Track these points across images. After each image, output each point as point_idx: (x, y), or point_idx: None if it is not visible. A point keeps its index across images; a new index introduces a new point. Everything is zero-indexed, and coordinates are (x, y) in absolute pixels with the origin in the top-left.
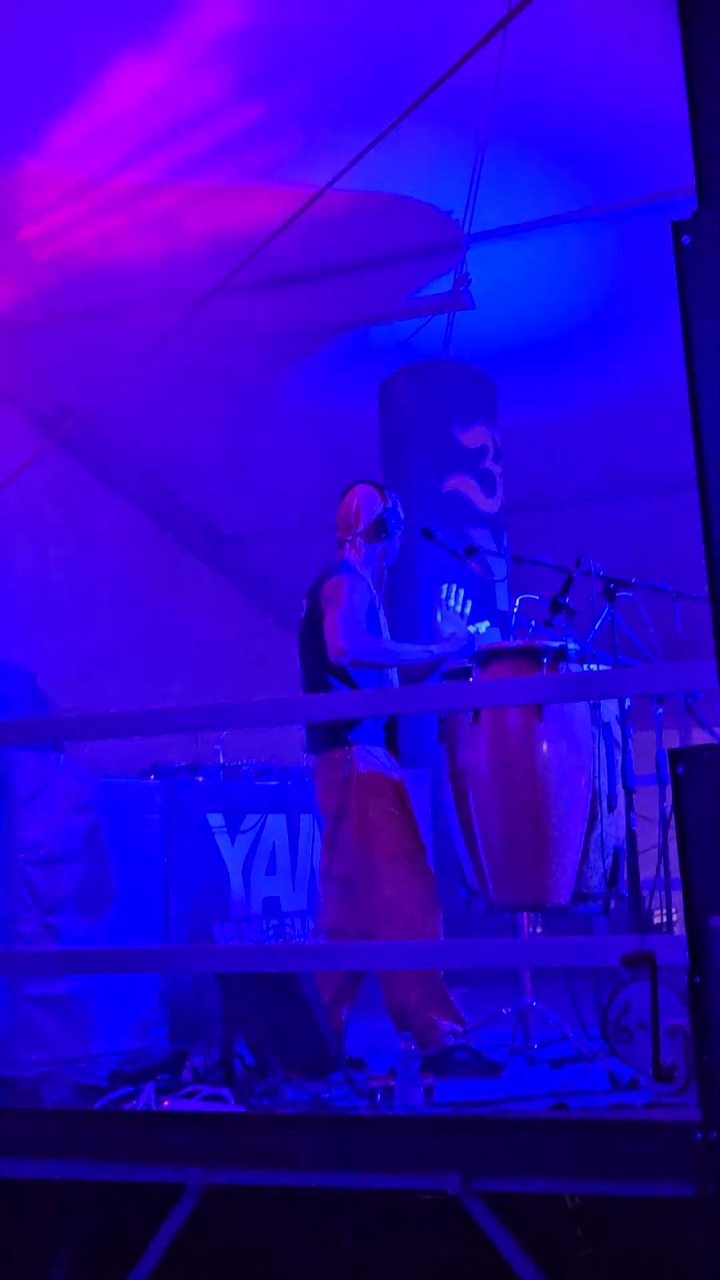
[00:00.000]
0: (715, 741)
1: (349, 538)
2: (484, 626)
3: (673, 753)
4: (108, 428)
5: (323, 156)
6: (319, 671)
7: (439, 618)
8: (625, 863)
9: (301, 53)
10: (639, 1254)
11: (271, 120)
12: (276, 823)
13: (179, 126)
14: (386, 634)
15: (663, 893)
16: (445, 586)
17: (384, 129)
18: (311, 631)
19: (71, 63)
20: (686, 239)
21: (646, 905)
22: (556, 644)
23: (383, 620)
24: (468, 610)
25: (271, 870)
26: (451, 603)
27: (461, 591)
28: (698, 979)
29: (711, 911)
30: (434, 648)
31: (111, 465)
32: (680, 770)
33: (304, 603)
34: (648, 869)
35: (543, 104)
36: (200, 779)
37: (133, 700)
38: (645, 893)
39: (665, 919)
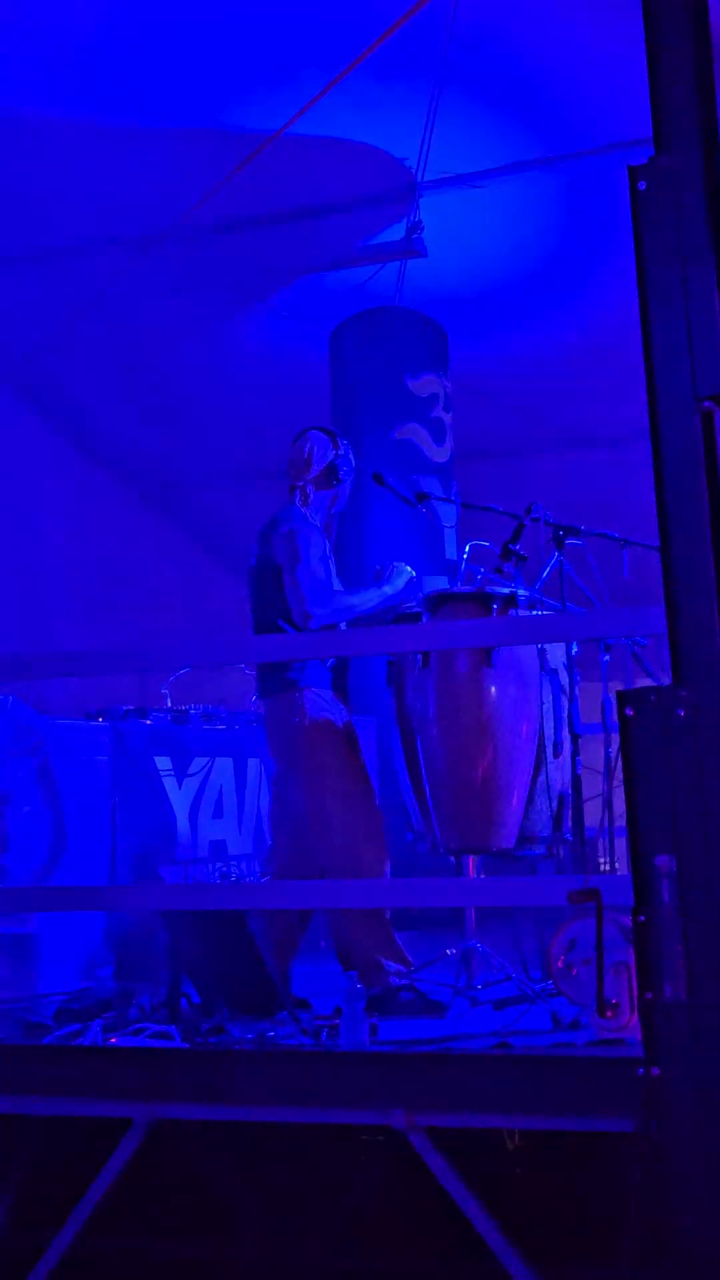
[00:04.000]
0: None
1: (300, 484)
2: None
3: (621, 694)
4: (54, 371)
5: (275, 99)
6: (273, 619)
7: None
8: (570, 807)
9: None
10: (580, 1189)
11: (224, 61)
12: (224, 766)
13: (128, 64)
14: (336, 581)
15: (606, 839)
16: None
17: (337, 73)
18: (263, 577)
19: None
20: (643, 184)
21: (590, 849)
22: (506, 590)
23: (332, 568)
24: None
25: (218, 814)
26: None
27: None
28: (642, 917)
29: (656, 851)
30: (386, 588)
31: (58, 409)
32: (629, 712)
33: (254, 548)
34: (591, 817)
35: (498, 51)
36: (148, 722)
37: (80, 644)
38: (589, 838)
39: (610, 865)
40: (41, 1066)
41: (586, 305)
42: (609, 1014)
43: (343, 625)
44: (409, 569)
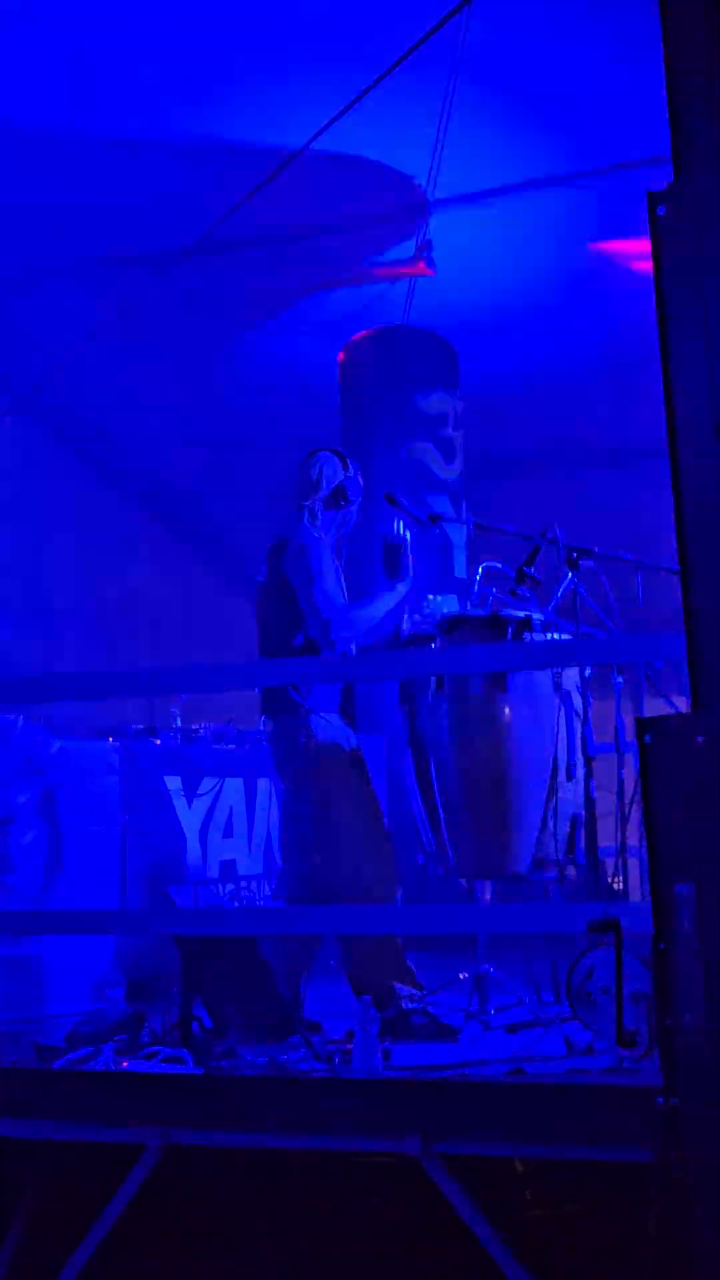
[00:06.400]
0: (675, 711)
1: (309, 504)
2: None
3: (640, 721)
4: (65, 388)
5: (286, 115)
6: (284, 637)
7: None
8: (583, 831)
9: (267, 8)
10: (598, 1219)
11: (236, 76)
12: (234, 786)
13: (141, 80)
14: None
15: (619, 861)
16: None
17: (349, 89)
18: (272, 595)
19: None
20: (662, 209)
21: (604, 872)
22: (521, 614)
23: (343, 588)
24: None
25: (228, 833)
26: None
27: (400, 524)
28: (662, 945)
29: (676, 878)
30: (400, 586)
31: (68, 426)
32: (648, 739)
33: (263, 566)
34: (605, 838)
35: (509, 69)
36: (158, 742)
37: (87, 662)
38: (602, 861)
39: (622, 888)
40: (55, 1091)
41: (597, 323)
42: (629, 1044)
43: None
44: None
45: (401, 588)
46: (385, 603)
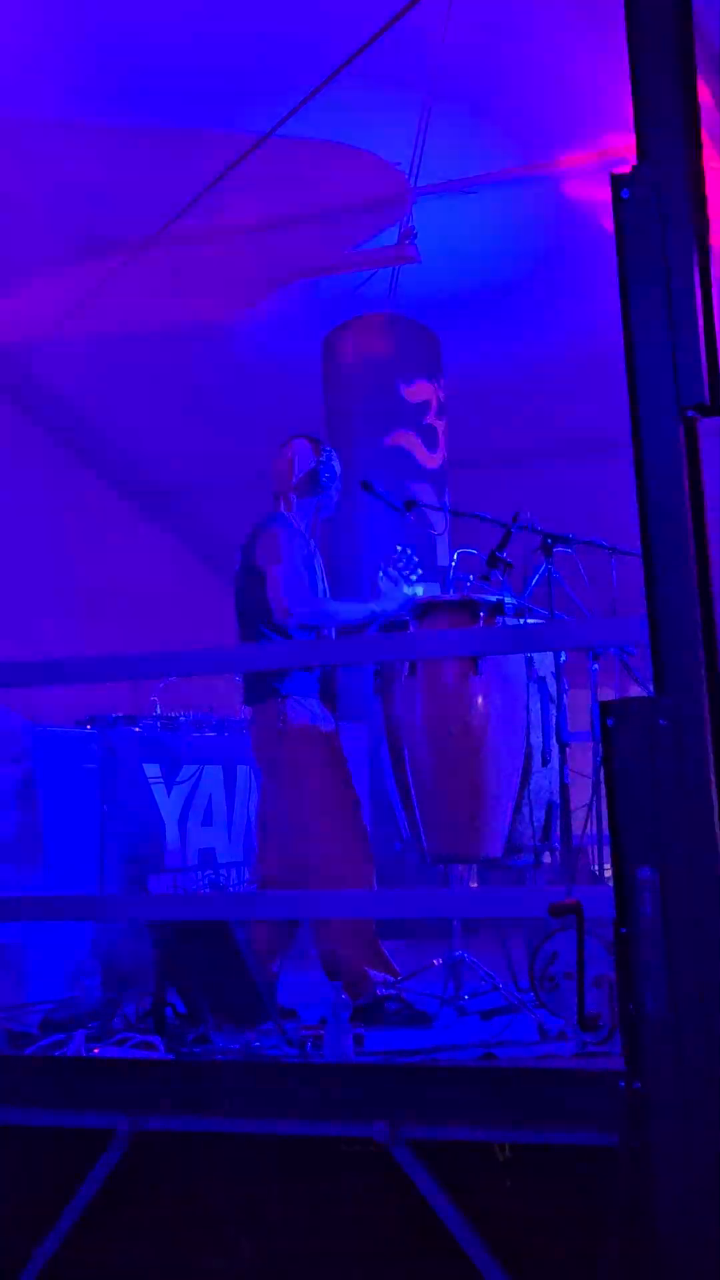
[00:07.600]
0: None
1: (283, 491)
2: (419, 590)
3: (604, 705)
4: (46, 375)
5: (267, 101)
6: (256, 626)
7: (381, 575)
8: (558, 816)
9: None
10: (565, 1202)
11: (218, 62)
12: (213, 774)
13: (120, 65)
14: (323, 586)
15: (595, 847)
16: (400, 547)
17: (328, 75)
18: (247, 585)
19: None
20: (625, 192)
21: (578, 858)
22: (493, 598)
23: (319, 571)
24: (415, 575)
25: (208, 821)
26: (401, 564)
27: (414, 557)
28: (624, 929)
29: (639, 863)
30: (374, 605)
31: (49, 413)
32: (610, 722)
33: (238, 555)
34: (580, 825)
35: (492, 58)
36: (138, 729)
37: (68, 650)
38: (577, 846)
39: (599, 873)
40: (24, 1076)
41: (580, 313)
42: (590, 1028)
43: (331, 633)
44: (411, 590)
45: (375, 606)
46: (355, 610)
